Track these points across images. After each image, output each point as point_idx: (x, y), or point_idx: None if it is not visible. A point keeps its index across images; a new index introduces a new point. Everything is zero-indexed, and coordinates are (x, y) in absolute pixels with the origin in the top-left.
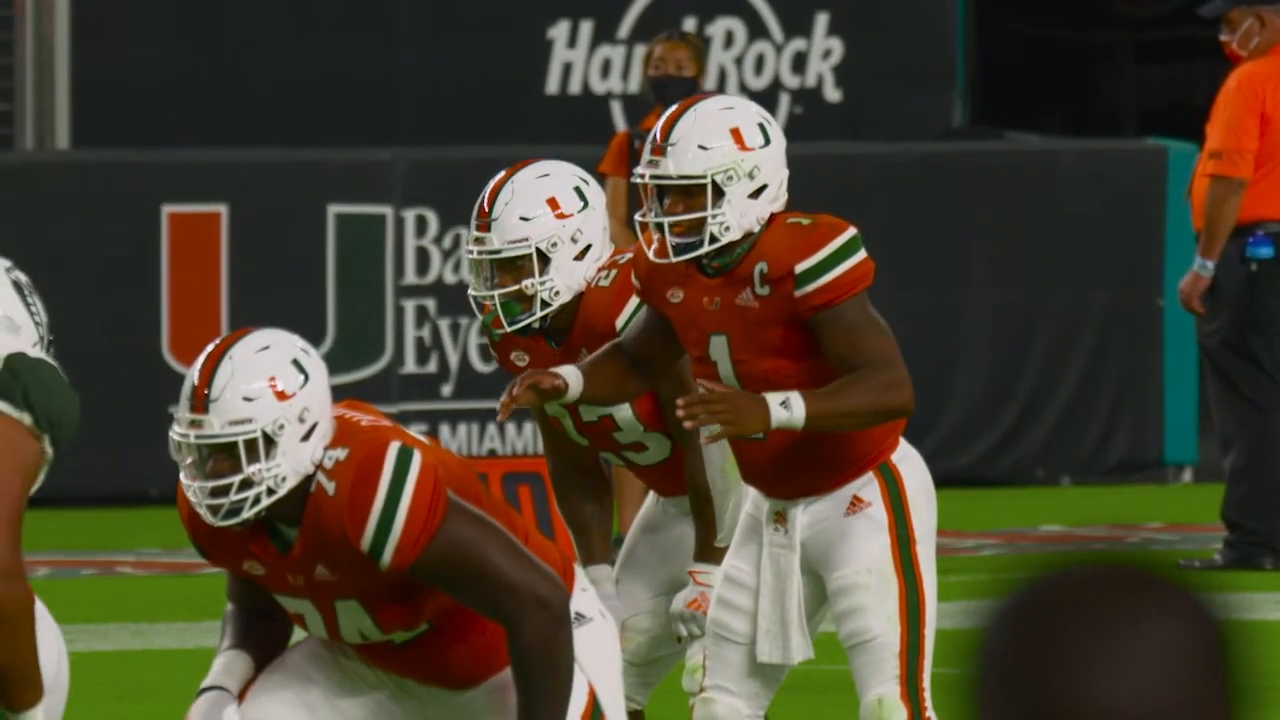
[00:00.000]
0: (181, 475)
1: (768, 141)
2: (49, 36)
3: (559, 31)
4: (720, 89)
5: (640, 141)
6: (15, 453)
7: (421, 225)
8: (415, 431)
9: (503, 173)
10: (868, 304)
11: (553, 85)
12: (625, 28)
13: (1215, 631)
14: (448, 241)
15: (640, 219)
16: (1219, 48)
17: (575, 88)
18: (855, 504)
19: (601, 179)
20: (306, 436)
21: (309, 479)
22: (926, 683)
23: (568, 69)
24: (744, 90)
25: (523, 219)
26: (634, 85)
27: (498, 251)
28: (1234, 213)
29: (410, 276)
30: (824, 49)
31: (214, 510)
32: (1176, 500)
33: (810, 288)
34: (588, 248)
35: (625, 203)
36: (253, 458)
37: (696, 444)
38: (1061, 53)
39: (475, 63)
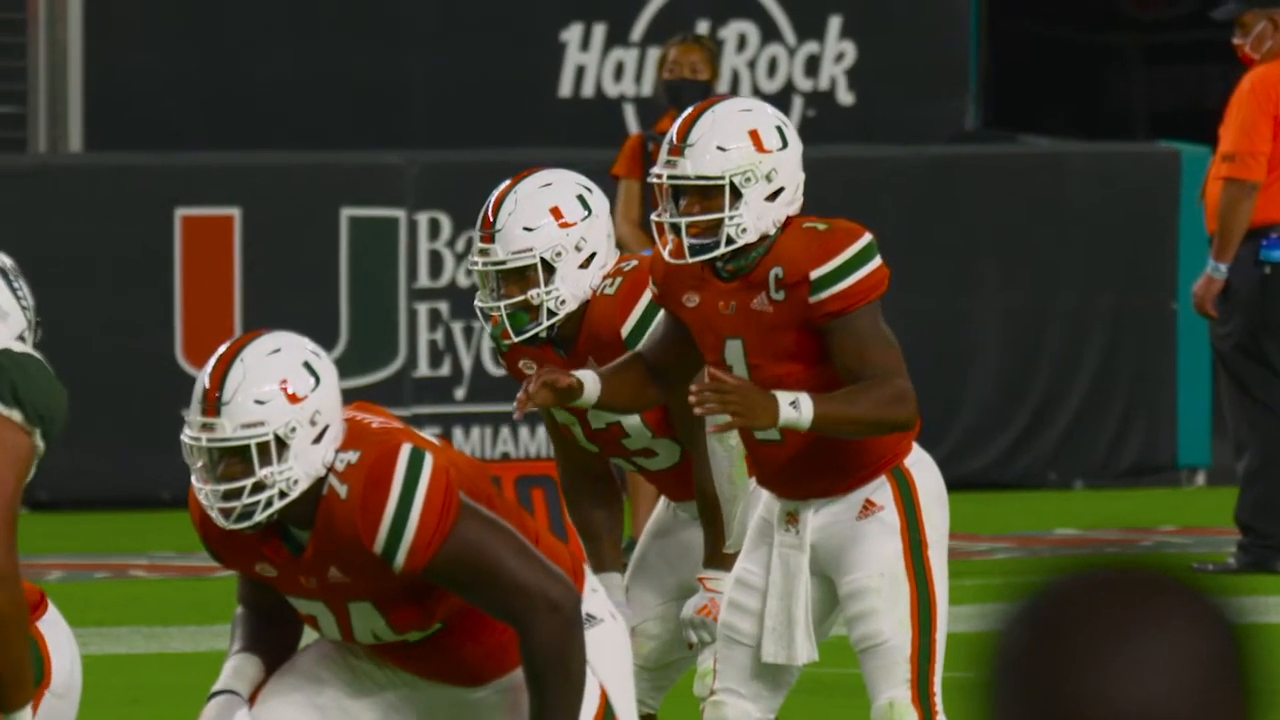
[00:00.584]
0: (193, 478)
1: (785, 144)
2: (62, 40)
3: (572, 34)
4: (733, 92)
5: (654, 144)
6: (6, 450)
7: (435, 228)
8: (428, 434)
9: (506, 183)
10: (879, 314)
11: (566, 88)
12: (638, 31)
13: (1229, 635)
14: (461, 245)
15: (656, 219)
16: (1232, 51)
17: (588, 91)
18: (868, 507)
19: (614, 182)
20: (318, 439)
21: (321, 481)
22: (938, 687)
23: (581, 72)
24: (756, 93)
25: (526, 229)
26: (647, 88)
27: (502, 262)
28: (1247, 216)
29: (423, 280)
30: (837, 52)
31: (226, 514)
32: (1190, 504)
33: (825, 294)
34: (592, 256)
35: (639, 205)
36: (265, 461)
37: (704, 451)
38: (1074, 56)
39: (488, 66)
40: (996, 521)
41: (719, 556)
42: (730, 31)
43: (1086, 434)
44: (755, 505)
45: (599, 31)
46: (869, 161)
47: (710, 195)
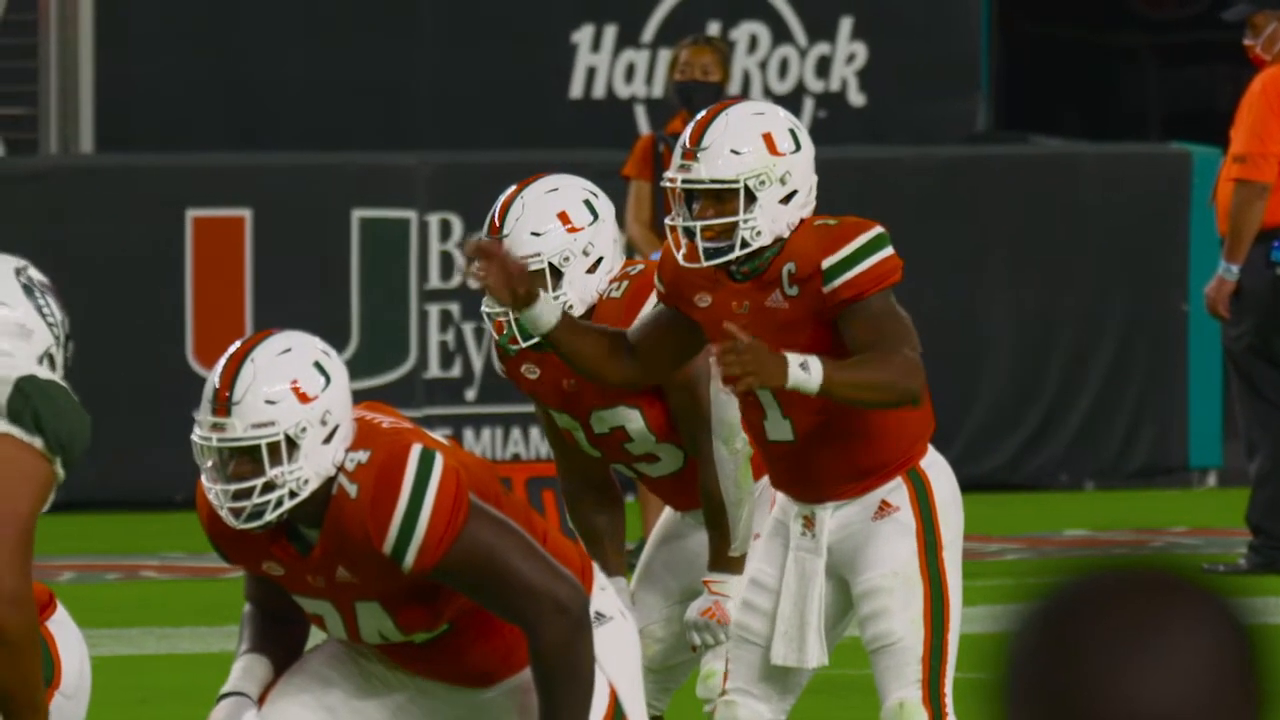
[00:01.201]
0: (203, 477)
1: (798, 147)
2: (72, 41)
3: (583, 36)
4: (744, 93)
5: (665, 145)
6: (25, 477)
7: (446, 229)
8: (438, 435)
9: (512, 188)
10: (893, 299)
11: (577, 89)
12: (650, 32)
13: (1240, 636)
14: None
15: (670, 223)
16: (1243, 52)
17: (599, 92)
18: (883, 508)
19: (625, 183)
20: (328, 439)
21: (330, 481)
22: (948, 688)
23: (592, 73)
24: (768, 94)
25: (534, 234)
26: (658, 90)
27: None
28: (1258, 217)
29: (434, 281)
30: (848, 53)
31: (236, 513)
32: (1201, 505)
33: (838, 282)
34: (599, 260)
35: (650, 206)
36: (275, 461)
37: (709, 454)
38: (1085, 57)
39: (499, 67)
40: (1007, 522)
41: (724, 560)
42: (741, 33)
43: (1098, 435)
44: (763, 508)
45: (610, 33)
46: (880, 162)
47: (724, 199)
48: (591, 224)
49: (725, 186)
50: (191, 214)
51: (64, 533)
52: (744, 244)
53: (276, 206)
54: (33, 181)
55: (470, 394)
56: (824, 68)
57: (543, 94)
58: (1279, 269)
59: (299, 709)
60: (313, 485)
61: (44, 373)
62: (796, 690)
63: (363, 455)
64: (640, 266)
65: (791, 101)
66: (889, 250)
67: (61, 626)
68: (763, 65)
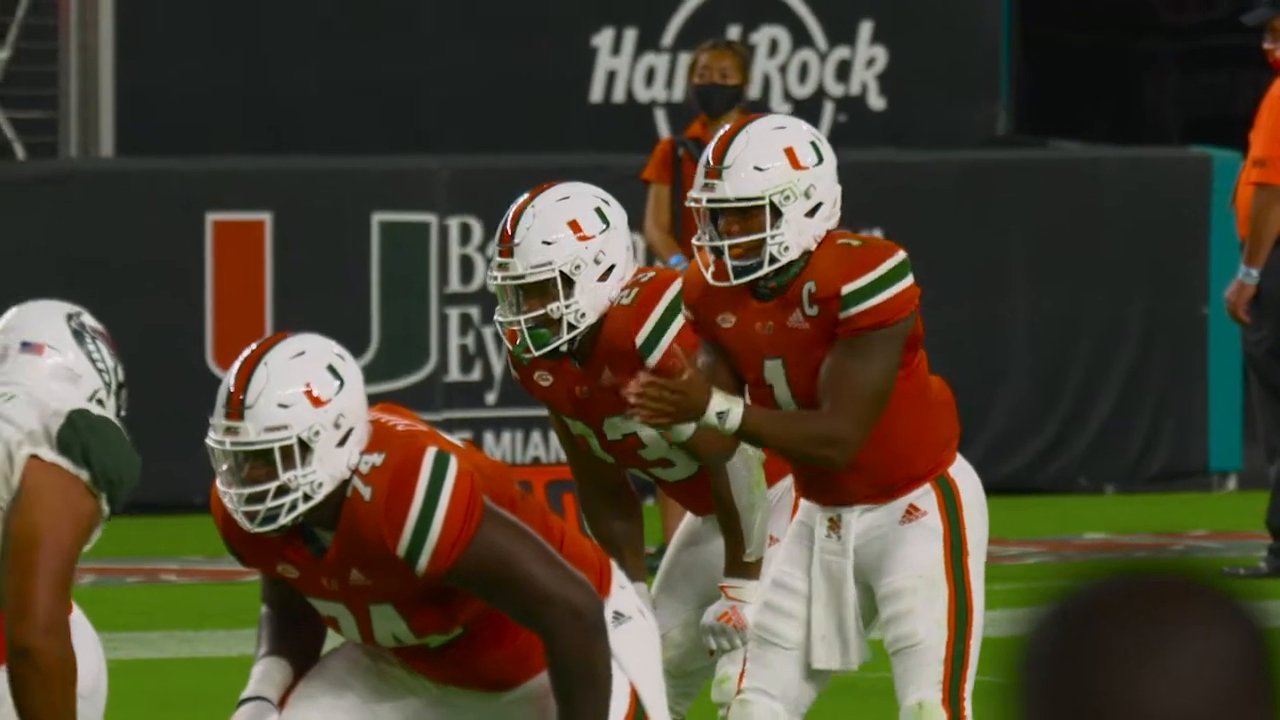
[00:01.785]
0: (217, 481)
1: (821, 159)
2: (93, 45)
3: (603, 39)
4: (764, 97)
5: (685, 149)
6: (69, 509)
7: (466, 233)
8: (457, 439)
9: (523, 197)
10: (897, 344)
11: (597, 93)
12: (670, 35)
13: (1259, 640)
14: (492, 249)
15: (696, 243)
16: (1263, 56)
17: (619, 96)
18: (911, 512)
19: (644, 187)
20: (342, 442)
21: (345, 484)
22: (968, 692)
23: (612, 77)
24: (788, 98)
25: (545, 243)
26: (678, 93)
27: (521, 277)
28: (1278, 221)
29: (455, 284)
30: (868, 57)
31: (250, 517)
32: (1221, 508)
33: (854, 310)
34: (611, 268)
35: (669, 211)
36: (289, 464)
37: (720, 462)
38: (1105, 61)
39: (519, 70)
40: (1027, 526)
41: (740, 565)
42: (761, 36)
43: (1118, 439)
44: (780, 513)
45: (630, 36)
46: (900, 167)
47: (750, 216)
48: (603, 232)
49: (751, 204)
50: (212, 218)
51: None
52: (772, 259)
53: (297, 210)
54: (53, 185)
55: (490, 397)
56: (844, 72)
57: (563, 98)
58: None
59: (318, 712)
60: (327, 489)
61: (98, 410)
62: (816, 692)
63: (377, 458)
64: (651, 274)
65: (811, 105)
66: (909, 280)
67: (78, 628)
68: (783, 69)
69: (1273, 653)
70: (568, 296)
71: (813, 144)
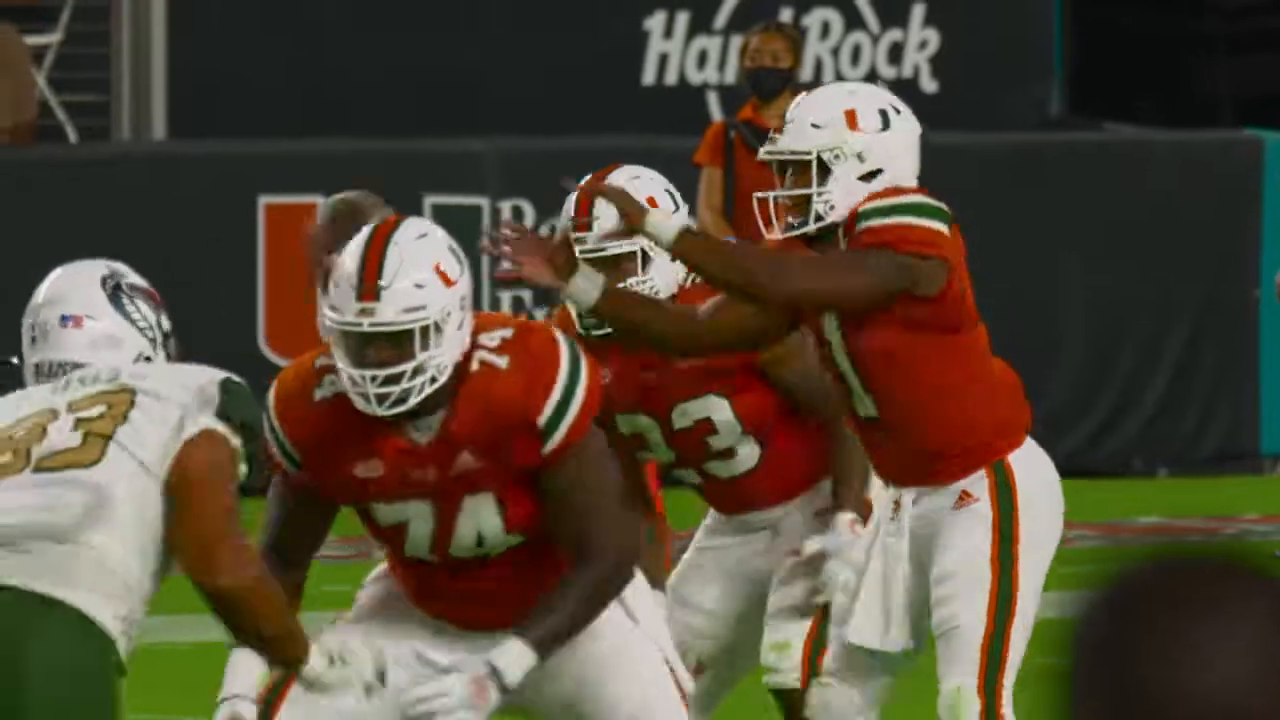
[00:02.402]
0: (336, 362)
1: (886, 126)
2: (145, 27)
3: (655, 22)
4: (816, 80)
5: (736, 132)
6: (230, 479)
7: (518, 216)
8: None
9: (591, 175)
10: (889, 268)
11: (649, 76)
12: (722, 18)
13: None
14: (544, 232)
15: (757, 195)
16: None
17: (672, 78)
18: (963, 498)
19: (697, 170)
20: (462, 324)
21: (458, 365)
22: (1007, 682)
23: (664, 59)
24: (840, 81)
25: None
26: (731, 76)
27: (601, 249)
28: None
29: (506, 266)
30: (920, 39)
31: (382, 399)
32: (1273, 491)
33: (862, 226)
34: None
35: (721, 193)
36: (424, 345)
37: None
38: (1158, 42)
39: (571, 53)
40: (1080, 509)
41: (855, 502)
42: (813, 19)
43: (1170, 421)
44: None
45: (682, 19)
46: (952, 149)
47: (800, 171)
48: (675, 213)
49: (799, 158)
50: (264, 200)
51: None
52: (818, 217)
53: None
54: (105, 168)
55: None
56: (896, 54)
57: (615, 80)
58: None
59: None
60: (449, 370)
61: (158, 356)
62: (891, 675)
63: (506, 332)
64: None
65: None
66: (933, 222)
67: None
68: (835, 52)
69: None
70: (645, 272)
71: (881, 111)
